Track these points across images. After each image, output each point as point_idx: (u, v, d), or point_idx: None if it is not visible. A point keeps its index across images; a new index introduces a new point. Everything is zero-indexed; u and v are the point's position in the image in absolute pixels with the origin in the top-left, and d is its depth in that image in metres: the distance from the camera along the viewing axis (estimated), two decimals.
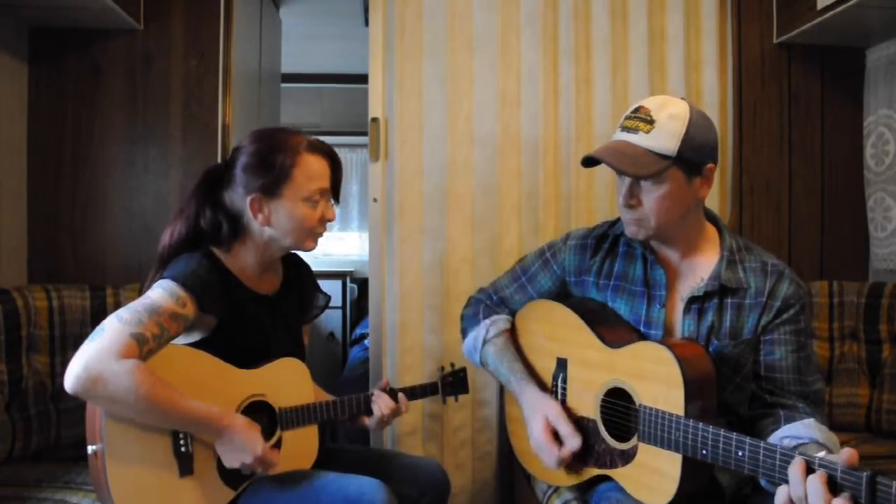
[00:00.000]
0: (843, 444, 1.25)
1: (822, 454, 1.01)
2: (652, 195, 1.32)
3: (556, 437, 1.39)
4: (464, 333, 1.68)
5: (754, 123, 2.34)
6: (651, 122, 1.30)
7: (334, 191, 1.50)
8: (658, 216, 1.34)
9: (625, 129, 1.34)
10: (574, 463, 1.41)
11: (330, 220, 1.50)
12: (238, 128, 2.35)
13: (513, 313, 1.64)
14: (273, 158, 1.41)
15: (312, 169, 1.44)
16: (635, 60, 2.22)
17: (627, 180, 1.34)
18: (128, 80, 2.20)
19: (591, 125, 2.22)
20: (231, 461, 1.31)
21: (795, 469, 1.01)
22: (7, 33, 2.07)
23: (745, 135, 2.33)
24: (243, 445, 1.29)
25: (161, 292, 1.30)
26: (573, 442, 1.36)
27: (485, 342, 1.58)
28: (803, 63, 2.37)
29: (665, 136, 1.29)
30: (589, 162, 1.36)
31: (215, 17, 2.22)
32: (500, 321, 1.60)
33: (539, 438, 1.40)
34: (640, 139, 1.30)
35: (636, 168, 1.29)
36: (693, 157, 1.31)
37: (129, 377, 1.17)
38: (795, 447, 1.13)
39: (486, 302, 1.68)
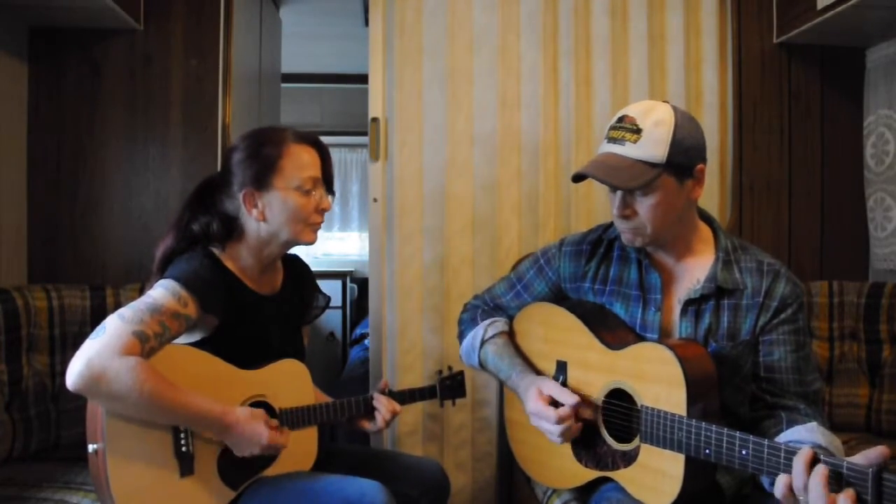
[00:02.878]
0: (843, 444, 1.25)
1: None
2: (645, 204, 1.32)
3: (553, 404, 1.37)
4: (461, 337, 1.68)
5: (754, 123, 2.34)
6: (637, 130, 1.29)
7: (327, 181, 1.50)
8: (653, 224, 1.33)
9: (611, 140, 1.33)
10: (575, 466, 1.41)
11: (326, 210, 1.49)
12: (238, 128, 2.34)
13: (510, 319, 1.63)
14: (260, 150, 1.43)
15: (301, 158, 1.44)
16: (635, 60, 2.23)
17: (620, 191, 1.33)
18: (128, 80, 2.20)
19: (591, 125, 2.22)
20: (241, 453, 1.32)
21: (800, 460, 1.01)
22: (7, 33, 2.07)
23: (745, 135, 2.33)
24: (250, 438, 1.30)
25: (163, 291, 1.30)
26: (569, 399, 1.34)
27: (483, 342, 1.58)
28: (803, 63, 2.37)
29: (653, 144, 1.29)
30: (579, 178, 1.36)
31: (215, 17, 2.22)
32: (499, 323, 1.60)
33: (533, 405, 1.38)
34: (627, 150, 1.30)
35: (626, 181, 1.28)
36: (683, 160, 1.31)
37: (131, 374, 1.17)
38: None
39: (483, 307, 1.67)
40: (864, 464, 0.98)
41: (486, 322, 1.60)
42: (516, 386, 1.49)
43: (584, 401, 1.38)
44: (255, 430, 1.31)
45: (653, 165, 1.28)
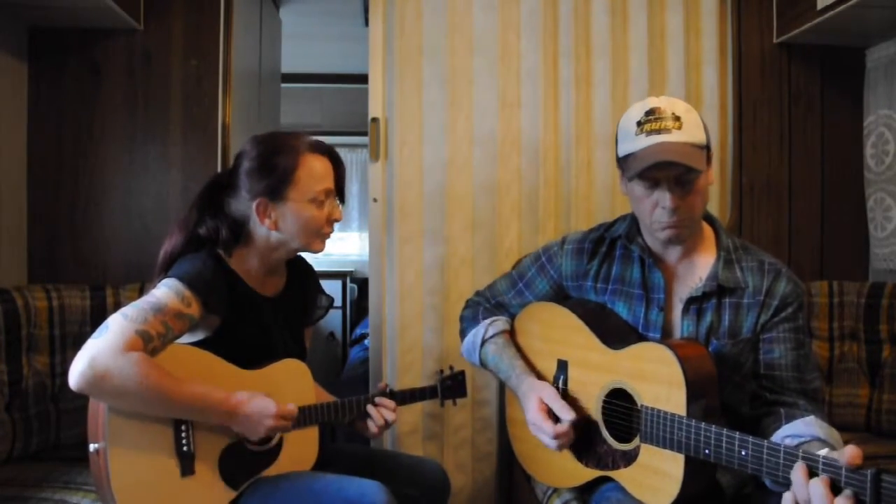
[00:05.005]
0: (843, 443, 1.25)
1: (824, 451, 1.01)
2: (693, 191, 1.32)
3: (552, 416, 1.39)
4: (462, 335, 1.68)
5: (754, 123, 2.35)
6: (677, 118, 1.30)
7: (339, 191, 1.50)
8: (697, 211, 1.35)
9: (653, 132, 1.30)
10: (576, 465, 1.41)
11: (337, 221, 1.50)
12: (238, 128, 2.35)
13: (511, 317, 1.64)
14: (275, 161, 1.41)
15: (315, 169, 1.44)
16: (635, 60, 2.23)
17: (667, 184, 1.30)
18: (128, 80, 2.20)
19: (591, 125, 2.22)
20: (255, 434, 1.32)
21: (798, 473, 1.01)
22: (7, 33, 2.07)
23: (745, 135, 2.33)
24: (259, 414, 1.30)
25: (166, 291, 1.30)
26: (567, 415, 1.35)
27: (484, 341, 1.58)
28: (803, 63, 2.37)
29: (694, 129, 1.31)
30: (647, 169, 1.29)
31: (215, 17, 2.22)
32: (500, 322, 1.60)
33: (533, 416, 1.40)
34: (676, 136, 1.29)
35: (697, 164, 1.28)
36: (709, 143, 1.35)
37: (135, 368, 1.18)
38: (798, 445, 1.13)
39: (485, 305, 1.68)
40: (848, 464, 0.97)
41: (488, 321, 1.60)
42: (515, 388, 1.50)
43: (581, 413, 1.39)
44: (261, 405, 1.31)
45: (700, 148, 1.31)
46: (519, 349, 1.57)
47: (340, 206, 1.52)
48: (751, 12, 2.33)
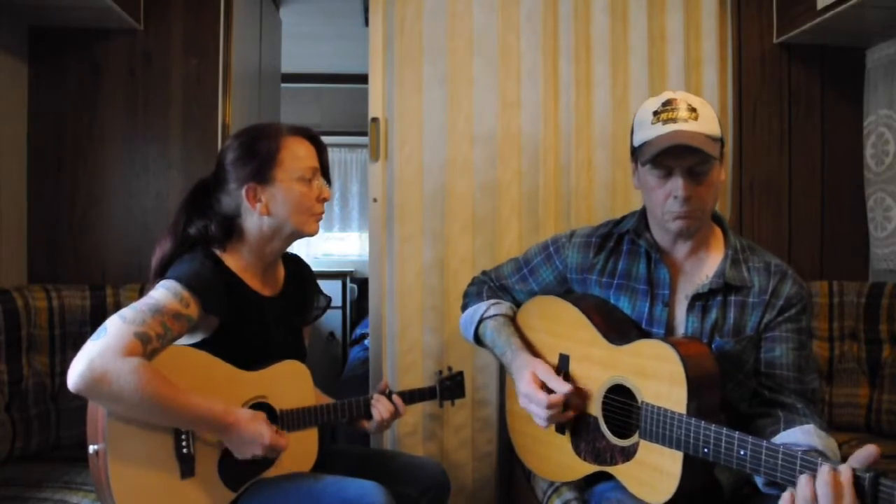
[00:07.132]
0: (842, 444, 1.25)
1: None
2: (706, 183, 1.33)
3: (544, 390, 1.39)
4: (464, 308, 1.70)
5: (754, 123, 2.35)
6: (693, 109, 1.32)
7: (324, 171, 1.51)
8: (709, 204, 1.36)
9: (669, 121, 1.32)
10: (574, 459, 1.41)
11: (327, 199, 1.50)
12: (238, 128, 2.33)
13: (514, 302, 1.65)
14: (258, 145, 1.43)
15: (298, 151, 1.45)
16: (635, 60, 2.23)
17: (680, 172, 1.31)
18: (128, 80, 2.21)
19: (591, 125, 2.22)
20: (242, 454, 1.31)
21: (804, 485, 1.00)
22: (7, 33, 2.07)
23: (745, 134, 2.34)
24: (251, 438, 1.30)
25: (164, 292, 1.30)
26: (561, 387, 1.37)
27: (484, 318, 1.60)
28: (803, 63, 2.37)
29: (709, 121, 1.33)
30: (658, 156, 1.30)
31: (215, 17, 2.22)
32: (503, 306, 1.62)
33: (525, 387, 1.40)
34: (692, 126, 1.31)
35: (710, 150, 1.29)
36: (723, 138, 1.37)
37: (133, 375, 1.17)
38: None
39: (490, 284, 1.70)
40: (858, 468, 0.98)
41: (491, 301, 1.63)
42: (510, 363, 1.51)
43: (578, 391, 1.40)
44: (256, 431, 1.30)
45: (715, 140, 1.33)
46: (518, 330, 1.58)
47: (328, 186, 1.52)
48: (751, 13, 2.33)
